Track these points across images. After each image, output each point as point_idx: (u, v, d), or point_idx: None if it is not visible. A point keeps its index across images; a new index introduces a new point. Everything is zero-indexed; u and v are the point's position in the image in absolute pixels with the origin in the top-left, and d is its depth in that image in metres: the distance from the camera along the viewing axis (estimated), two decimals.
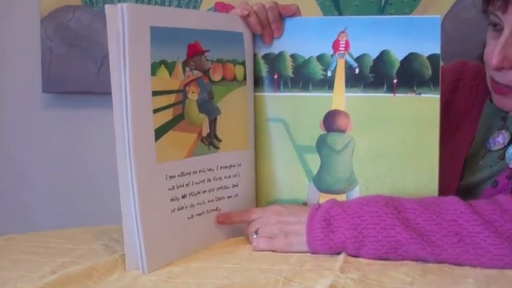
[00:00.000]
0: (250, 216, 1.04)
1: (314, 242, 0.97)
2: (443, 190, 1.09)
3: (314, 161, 1.08)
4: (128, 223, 0.91)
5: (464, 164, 1.19)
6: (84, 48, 1.75)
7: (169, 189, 0.95)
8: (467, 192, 1.16)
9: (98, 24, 1.73)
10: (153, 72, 0.92)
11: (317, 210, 0.98)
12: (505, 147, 1.13)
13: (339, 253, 0.96)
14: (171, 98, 0.95)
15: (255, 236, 1.02)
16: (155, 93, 0.92)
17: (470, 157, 1.19)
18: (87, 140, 1.89)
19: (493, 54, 1.05)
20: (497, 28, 1.07)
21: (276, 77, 1.08)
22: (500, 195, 0.96)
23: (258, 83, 1.09)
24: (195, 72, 0.99)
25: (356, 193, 1.06)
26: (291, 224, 1.00)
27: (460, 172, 1.19)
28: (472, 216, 0.92)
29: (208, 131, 1.01)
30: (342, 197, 1.06)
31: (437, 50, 1.02)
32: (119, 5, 0.88)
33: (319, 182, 1.08)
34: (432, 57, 1.03)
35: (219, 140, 1.03)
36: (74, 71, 1.78)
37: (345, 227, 0.95)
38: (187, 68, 0.97)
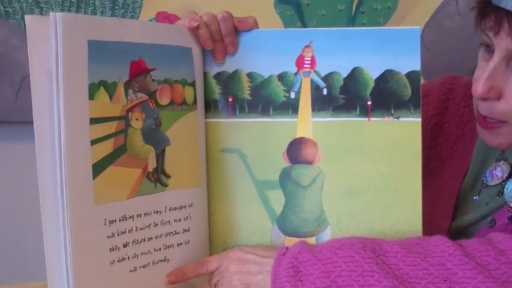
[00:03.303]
0: (207, 267, 1.03)
1: None
2: (432, 231, 1.09)
3: (277, 199, 1.08)
4: (56, 280, 0.90)
5: (456, 201, 1.20)
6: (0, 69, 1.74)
7: (108, 237, 0.94)
8: (460, 234, 1.17)
9: (15, 39, 1.73)
10: (91, 95, 0.91)
11: (283, 255, 0.98)
12: (504, 182, 1.15)
13: None
14: (111, 127, 0.94)
15: None
16: (93, 121, 0.91)
17: (464, 192, 1.20)
18: (2, 177, 1.87)
19: (479, 82, 1.05)
20: (490, 49, 1.08)
21: (230, 100, 1.09)
22: (494, 234, 0.97)
23: (209, 107, 1.09)
24: (139, 95, 0.98)
25: (327, 235, 1.07)
26: (253, 274, 0.99)
27: (451, 210, 1.20)
28: (462, 258, 0.93)
29: (154, 165, 1.01)
30: (311, 240, 1.07)
31: (417, 67, 1.04)
32: (52, 14, 0.87)
33: (284, 224, 1.09)
34: (411, 75, 1.05)
35: (168, 176, 1.02)
36: None
37: (316, 275, 0.95)
38: (130, 90, 0.97)
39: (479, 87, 1.05)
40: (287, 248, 0.99)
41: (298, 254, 0.97)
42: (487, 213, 1.13)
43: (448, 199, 1.20)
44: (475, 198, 1.18)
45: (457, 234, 1.17)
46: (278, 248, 1.01)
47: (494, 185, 1.15)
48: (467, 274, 0.92)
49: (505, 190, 1.13)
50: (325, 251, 0.96)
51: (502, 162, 1.16)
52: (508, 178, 1.14)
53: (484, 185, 1.17)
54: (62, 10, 1.68)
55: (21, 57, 1.71)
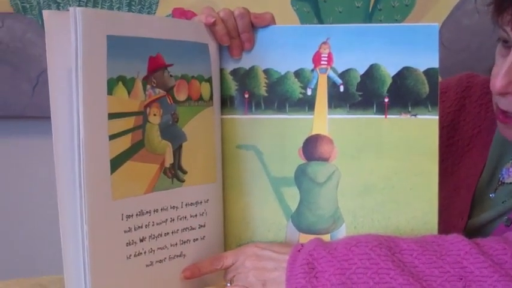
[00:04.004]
0: (223, 262, 1.04)
1: None
2: (448, 230, 1.09)
3: (292, 196, 1.08)
4: (72, 273, 0.90)
5: (472, 199, 1.20)
6: (16, 65, 1.75)
7: (125, 232, 0.94)
8: (476, 232, 1.17)
9: (32, 35, 1.73)
10: (110, 90, 0.91)
11: (299, 252, 0.98)
12: None
13: None
14: (129, 122, 0.94)
15: (228, 285, 1.02)
16: (111, 116, 0.91)
17: (480, 190, 1.20)
18: (18, 172, 1.88)
19: (498, 77, 1.06)
20: (508, 45, 1.08)
21: (246, 96, 1.09)
22: (510, 233, 0.97)
23: (225, 103, 1.10)
24: (157, 90, 0.98)
25: (342, 233, 1.07)
26: (269, 270, 1.00)
27: (468, 208, 1.20)
28: (478, 257, 0.93)
29: (171, 161, 1.01)
30: (325, 238, 1.07)
31: (435, 64, 1.04)
32: (71, 9, 0.87)
33: (299, 221, 1.09)
34: (429, 72, 1.05)
35: (185, 172, 1.02)
36: (3, 92, 1.77)
37: (331, 272, 0.95)
38: (148, 86, 0.97)
39: (497, 82, 1.05)
40: (302, 245, 1.00)
41: (313, 251, 0.97)
42: (503, 211, 1.12)
43: (465, 197, 1.20)
44: (491, 196, 1.17)
45: (473, 232, 1.16)
46: (293, 245, 1.01)
47: (511, 183, 1.15)
48: (484, 273, 0.92)
49: None
50: (341, 248, 0.97)
51: None
52: None
53: (500, 183, 1.17)
54: (79, 6, 1.69)
55: (38, 52, 1.71)
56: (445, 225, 1.10)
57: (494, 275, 0.92)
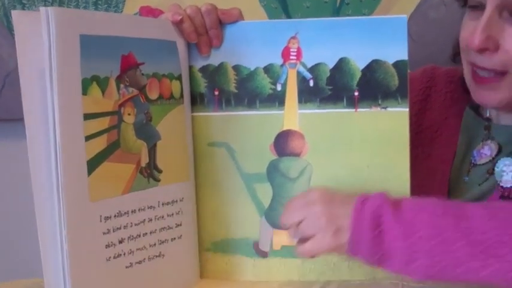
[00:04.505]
0: (294, 215, 0.99)
1: (358, 243, 0.94)
2: None
3: (265, 192, 1.09)
4: (52, 277, 0.90)
5: (449, 184, 1.22)
6: None
7: (104, 233, 0.94)
8: None
9: None
10: (84, 90, 0.91)
11: (364, 204, 0.95)
12: (493, 160, 1.16)
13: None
14: (104, 122, 0.94)
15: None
16: (87, 117, 0.91)
17: (454, 174, 1.22)
18: None
19: (475, 34, 1.08)
20: (478, 9, 1.11)
21: (216, 93, 1.10)
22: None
23: (196, 101, 1.10)
24: (130, 89, 0.98)
25: None
26: (341, 217, 0.95)
27: (446, 193, 1.21)
28: None
29: (147, 160, 1.01)
30: None
31: (404, 56, 1.05)
32: (42, 9, 0.87)
33: (272, 216, 1.09)
34: (399, 64, 1.06)
35: (160, 171, 1.03)
36: None
37: (395, 234, 0.92)
38: (121, 85, 0.97)
39: (476, 38, 1.08)
40: (366, 197, 0.96)
41: (380, 208, 0.94)
42: (480, 194, 1.14)
43: (441, 182, 1.22)
44: (465, 179, 1.19)
45: None
46: (356, 196, 0.97)
47: (483, 164, 1.17)
48: None
49: (495, 169, 1.13)
50: (407, 210, 0.94)
51: (489, 141, 1.18)
52: (496, 156, 1.14)
53: (472, 165, 1.19)
54: (45, 5, 1.67)
55: (4, 54, 1.70)
56: None
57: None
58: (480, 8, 1.10)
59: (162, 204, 1.03)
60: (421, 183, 1.09)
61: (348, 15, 1.60)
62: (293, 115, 1.08)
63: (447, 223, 0.93)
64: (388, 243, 0.92)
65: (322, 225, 0.96)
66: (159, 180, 1.03)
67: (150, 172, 1.01)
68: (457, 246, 0.91)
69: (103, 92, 0.94)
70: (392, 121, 1.06)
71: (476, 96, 1.15)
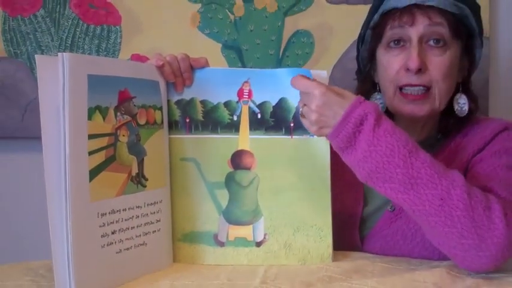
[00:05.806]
0: (312, 90, 0.99)
1: (338, 133, 0.96)
2: (347, 217, 1.09)
3: (223, 196, 1.09)
4: (59, 258, 0.90)
5: (365, 191, 1.22)
6: (9, 97, 1.70)
7: (100, 226, 0.94)
8: (368, 219, 1.18)
9: (21, 73, 1.68)
10: (89, 116, 0.92)
11: (360, 104, 0.97)
12: None
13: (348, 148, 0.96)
14: (104, 141, 0.94)
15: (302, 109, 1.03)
16: (90, 137, 0.92)
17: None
18: (10, 181, 1.83)
19: (412, 59, 1.10)
20: (400, 45, 1.14)
21: (188, 120, 1.10)
22: (495, 199, 0.96)
23: (172, 126, 1.10)
24: (125, 116, 0.99)
25: (261, 224, 1.09)
26: (330, 117, 0.98)
27: (362, 198, 1.21)
28: (463, 195, 0.93)
29: (137, 170, 1.01)
30: (248, 228, 1.08)
31: None
32: (60, 54, 0.89)
33: (228, 215, 1.10)
34: None
35: (146, 179, 1.03)
36: None
37: (365, 140, 0.95)
38: (118, 113, 0.97)
39: (415, 61, 1.10)
40: (362, 101, 0.98)
41: (369, 114, 0.96)
42: (387, 200, 1.11)
43: (358, 190, 1.21)
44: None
45: (367, 218, 1.19)
46: (355, 98, 0.99)
47: None
48: (460, 206, 0.92)
49: None
50: (381, 130, 0.95)
51: None
52: None
53: None
54: (59, 51, 1.65)
55: (26, 87, 1.67)
56: (345, 214, 1.10)
57: (464, 213, 0.92)
58: (402, 42, 1.13)
59: (147, 204, 1.03)
60: (339, 191, 1.10)
61: (288, 65, 1.60)
62: (245, 139, 1.09)
63: (400, 152, 0.94)
64: (358, 142, 0.96)
65: (312, 120, 1.00)
66: (145, 186, 1.02)
67: (139, 180, 1.01)
68: (397, 171, 0.94)
69: (104, 118, 0.94)
70: (318, 145, 1.07)
71: (405, 110, 1.15)
